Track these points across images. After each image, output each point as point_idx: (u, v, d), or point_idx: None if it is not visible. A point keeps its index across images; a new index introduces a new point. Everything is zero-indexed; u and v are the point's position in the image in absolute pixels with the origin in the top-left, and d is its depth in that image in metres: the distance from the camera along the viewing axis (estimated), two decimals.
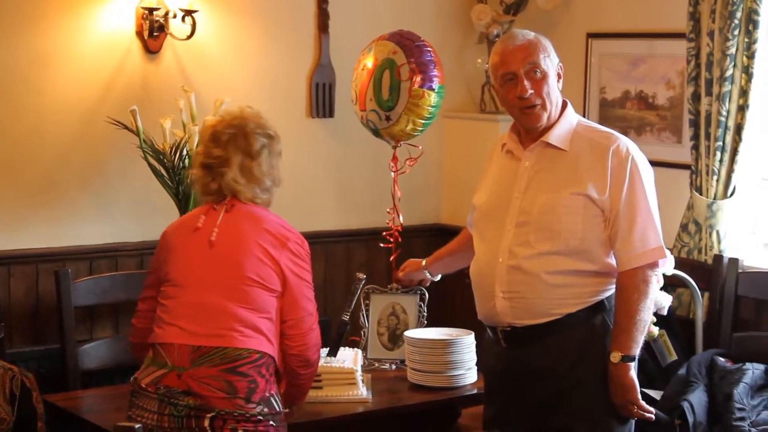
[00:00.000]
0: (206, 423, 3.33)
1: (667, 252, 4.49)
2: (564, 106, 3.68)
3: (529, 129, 3.65)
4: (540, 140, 3.62)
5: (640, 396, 3.53)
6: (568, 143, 3.61)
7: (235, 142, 3.55)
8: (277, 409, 3.44)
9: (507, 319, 3.62)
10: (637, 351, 3.53)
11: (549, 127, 3.63)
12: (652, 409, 3.58)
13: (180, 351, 3.39)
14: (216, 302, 3.41)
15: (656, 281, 3.61)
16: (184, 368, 3.37)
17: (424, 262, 4.36)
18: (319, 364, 4.07)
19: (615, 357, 3.51)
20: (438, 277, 4.42)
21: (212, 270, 3.45)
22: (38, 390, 4.05)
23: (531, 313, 3.57)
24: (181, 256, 3.50)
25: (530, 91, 3.56)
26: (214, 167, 3.54)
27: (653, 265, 3.55)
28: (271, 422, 3.40)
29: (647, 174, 3.59)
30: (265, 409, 3.39)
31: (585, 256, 3.54)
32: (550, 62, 3.61)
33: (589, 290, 3.57)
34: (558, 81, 3.64)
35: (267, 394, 3.41)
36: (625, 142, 3.59)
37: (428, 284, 4.46)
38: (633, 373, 3.53)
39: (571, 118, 3.67)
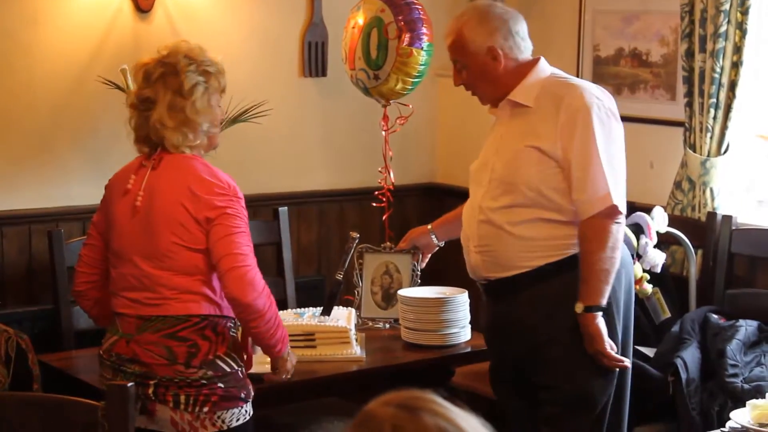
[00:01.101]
0: (150, 390, 3.33)
1: (659, 209, 4.54)
2: (534, 62, 3.68)
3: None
4: (506, 99, 3.67)
5: (607, 345, 3.52)
6: (533, 99, 3.62)
7: (165, 80, 3.37)
8: (228, 370, 3.36)
9: (482, 273, 3.68)
10: (601, 301, 3.51)
11: (514, 86, 3.65)
12: (622, 358, 3.56)
13: (128, 320, 3.39)
14: (148, 271, 3.35)
15: (619, 231, 3.54)
16: (131, 335, 3.37)
17: (430, 226, 4.33)
18: (313, 323, 4.10)
19: (578, 307, 3.52)
20: (443, 243, 4.38)
21: (139, 238, 3.37)
22: (33, 352, 4.05)
23: (500, 266, 3.62)
24: (114, 223, 3.44)
25: (459, 83, 3.72)
26: (141, 109, 3.39)
27: (611, 214, 3.51)
28: (219, 384, 3.33)
29: (604, 124, 3.55)
30: (209, 372, 3.33)
31: (547, 206, 3.56)
32: (473, 52, 3.64)
33: (558, 243, 3.57)
34: (495, 62, 3.63)
35: (211, 357, 3.34)
36: (583, 93, 3.56)
37: (434, 250, 4.41)
38: (599, 322, 3.51)
39: (540, 73, 3.67)
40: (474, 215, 3.68)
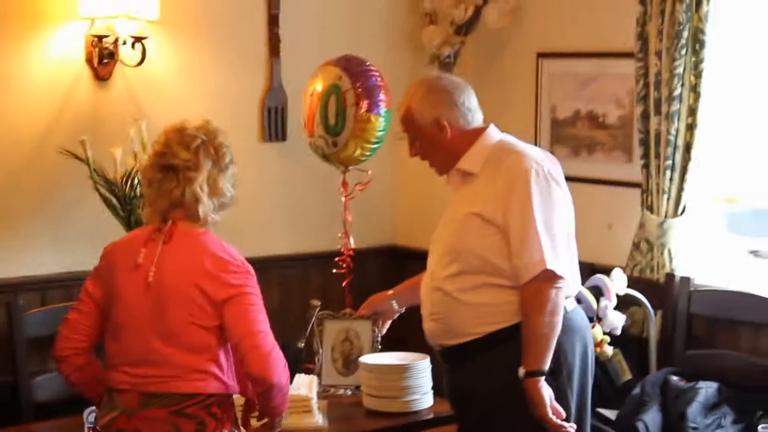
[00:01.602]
0: None
1: (618, 271, 4.57)
2: (481, 131, 3.72)
3: None
4: (454, 168, 3.72)
5: (549, 411, 3.49)
6: (479, 166, 3.66)
7: (206, 149, 3.34)
8: None
9: (437, 340, 3.72)
10: (542, 366, 3.49)
11: (461, 156, 3.70)
12: (563, 424, 3.51)
13: (128, 395, 3.32)
14: (157, 348, 3.29)
15: (557, 297, 3.52)
16: (133, 410, 3.30)
17: (391, 292, 4.30)
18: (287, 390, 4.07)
19: (520, 372, 3.51)
20: (403, 309, 4.36)
21: (150, 314, 3.30)
22: None
23: (452, 333, 3.65)
24: (122, 296, 3.34)
25: (413, 153, 3.77)
26: (181, 170, 3.31)
27: (548, 279, 3.50)
28: None
29: (542, 188, 3.55)
30: None
31: (492, 272, 3.57)
32: (422, 125, 3.70)
33: (508, 309, 3.57)
34: (442, 132, 3.68)
35: None
36: (523, 158, 3.59)
37: (395, 316, 4.38)
38: (541, 387, 3.49)
39: (488, 140, 3.70)
40: (427, 283, 3.74)
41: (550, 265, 3.49)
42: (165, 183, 3.33)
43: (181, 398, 3.29)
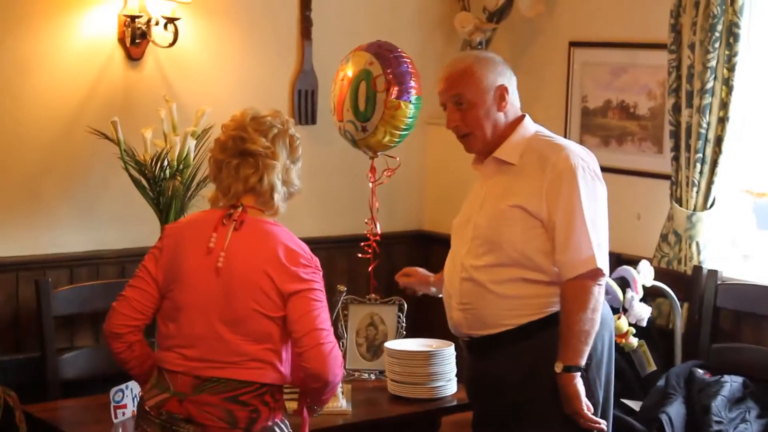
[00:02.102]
0: None
1: (645, 263, 4.56)
2: (519, 120, 3.69)
3: (468, 153, 3.73)
4: (491, 156, 3.67)
5: (584, 407, 3.50)
6: (517, 156, 3.63)
7: (282, 139, 3.34)
8: None
9: (464, 330, 3.69)
10: (580, 361, 3.50)
11: (500, 143, 3.65)
12: (598, 420, 3.54)
13: (182, 378, 3.28)
14: (218, 333, 3.26)
15: (600, 293, 3.54)
16: (185, 395, 3.27)
17: (432, 278, 4.19)
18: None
19: (558, 367, 3.51)
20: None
21: (216, 299, 3.28)
22: (21, 408, 4.03)
23: (483, 323, 3.62)
24: (189, 278, 3.30)
25: (455, 124, 3.64)
26: (261, 157, 3.27)
27: (593, 276, 3.51)
28: None
29: (589, 186, 3.55)
30: None
31: (530, 266, 3.56)
32: (483, 89, 3.61)
33: (541, 301, 3.58)
34: (502, 102, 3.63)
35: (270, 423, 3.31)
36: (569, 154, 3.56)
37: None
38: (577, 383, 3.50)
39: (525, 131, 3.68)
40: (456, 272, 3.69)
41: (600, 264, 3.51)
42: (242, 168, 3.30)
43: (237, 385, 3.26)
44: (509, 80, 3.67)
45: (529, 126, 3.70)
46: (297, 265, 3.26)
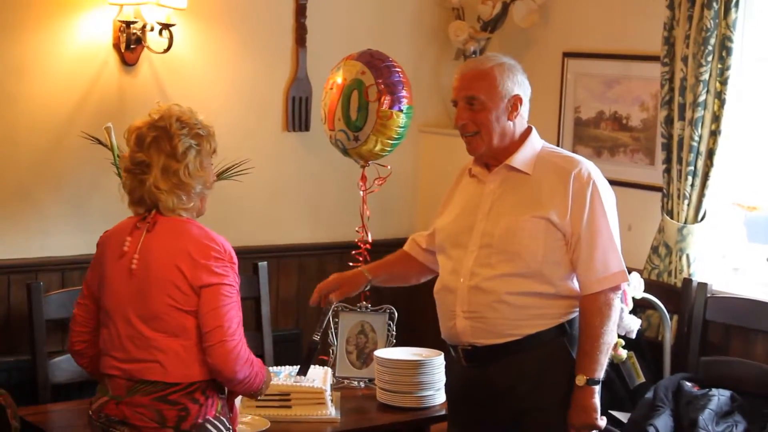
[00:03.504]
0: None
1: (635, 275, 4.57)
2: (528, 131, 3.70)
3: (471, 155, 3.71)
4: (504, 164, 3.66)
5: (599, 419, 3.56)
6: (532, 167, 3.64)
7: (158, 144, 3.38)
8: None
9: (467, 339, 3.65)
10: (601, 374, 3.56)
11: (513, 151, 3.65)
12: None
13: (117, 381, 3.38)
14: (140, 333, 3.35)
15: (619, 303, 3.63)
16: (120, 397, 3.36)
17: (368, 274, 4.09)
18: (289, 383, 4.11)
19: (580, 380, 3.53)
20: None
21: (133, 300, 3.37)
22: (13, 406, 4.03)
23: (490, 333, 3.60)
24: (108, 283, 3.42)
25: (462, 122, 3.62)
26: (136, 174, 3.40)
27: (615, 288, 3.58)
28: None
29: (608, 198, 3.61)
30: None
31: (545, 279, 3.57)
32: (498, 94, 3.61)
33: (550, 312, 3.59)
34: (514, 111, 3.63)
35: (200, 420, 3.35)
36: (587, 167, 3.61)
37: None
38: (597, 396, 3.55)
39: (535, 143, 3.70)
40: (461, 280, 3.63)
41: (627, 277, 3.59)
42: (130, 185, 3.44)
43: (165, 386, 3.33)
44: (525, 91, 3.68)
45: (537, 138, 3.72)
46: (209, 258, 3.34)
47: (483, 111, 3.60)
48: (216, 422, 3.39)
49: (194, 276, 3.32)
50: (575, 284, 3.60)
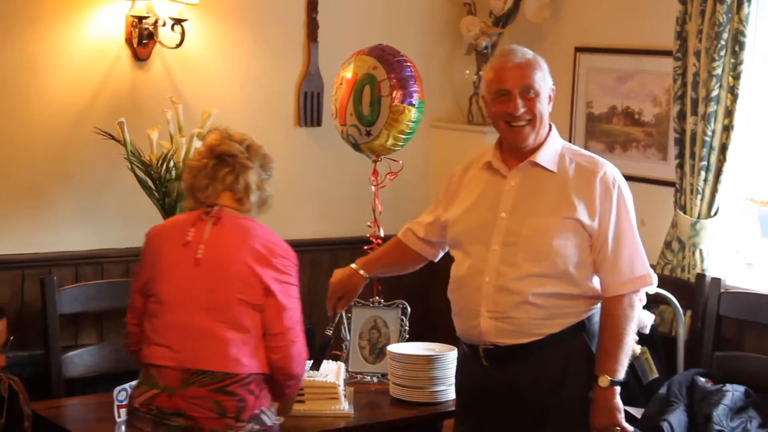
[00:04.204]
0: None
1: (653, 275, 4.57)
2: (550, 128, 3.70)
3: (514, 146, 3.65)
4: (528, 160, 3.64)
5: (623, 420, 3.57)
6: (556, 165, 3.63)
7: (254, 150, 3.57)
8: (268, 424, 3.47)
9: (490, 338, 3.62)
10: (623, 374, 3.58)
11: (536, 148, 3.64)
12: (632, 429, 3.61)
13: (169, 372, 3.40)
14: (202, 323, 3.40)
15: (639, 302, 3.65)
16: (174, 389, 3.39)
17: (363, 272, 4.06)
18: (303, 377, 4.12)
19: (604, 381, 3.54)
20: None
21: (198, 290, 3.42)
22: (25, 392, 4.04)
23: (515, 333, 3.59)
24: (168, 272, 3.46)
25: (522, 109, 3.59)
26: (238, 158, 3.50)
27: (638, 290, 3.61)
28: None
29: (630, 201, 3.64)
30: (256, 426, 3.42)
31: (571, 280, 3.57)
32: (544, 84, 3.63)
33: (572, 311, 3.60)
34: (549, 103, 3.66)
35: (257, 411, 3.43)
36: (611, 169, 3.63)
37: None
38: (618, 396, 3.57)
39: (557, 140, 3.70)
40: (486, 279, 3.61)
41: (651, 281, 3.63)
42: (218, 169, 3.51)
43: (224, 376, 3.38)
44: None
45: (558, 136, 3.72)
46: (275, 257, 3.46)
47: (536, 98, 3.60)
48: (269, 413, 3.49)
49: (263, 273, 3.42)
50: (596, 284, 3.62)
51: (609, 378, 3.54)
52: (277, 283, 3.45)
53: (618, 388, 3.55)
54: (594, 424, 3.58)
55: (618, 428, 3.57)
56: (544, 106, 3.63)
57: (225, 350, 3.39)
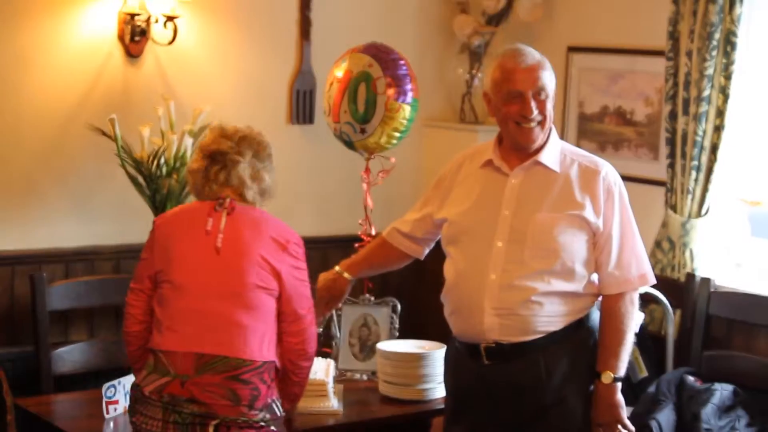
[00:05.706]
0: (210, 430, 3.40)
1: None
2: (550, 128, 3.71)
3: (521, 146, 3.65)
4: (533, 159, 3.64)
5: (625, 417, 3.60)
6: (558, 164, 3.65)
7: (247, 141, 3.63)
8: (278, 414, 3.52)
9: (493, 336, 3.60)
10: (624, 371, 3.61)
11: (540, 147, 3.65)
12: (633, 427, 3.63)
13: (183, 359, 3.43)
14: (219, 309, 3.45)
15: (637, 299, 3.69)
16: (187, 376, 3.41)
17: (347, 275, 4.09)
18: None
19: (607, 378, 3.57)
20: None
21: (217, 276, 3.48)
22: (7, 382, 4.04)
23: (520, 330, 3.58)
24: (186, 259, 3.51)
25: (535, 111, 3.59)
26: (228, 154, 3.58)
27: (639, 288, 3.66)
28: (272, 427, 3.49)
29: (628, 201, 3.68)
30: (267, 415, 3.47)
31: (576, 277, 3.59)
32: (552, 84, 3.64)
33: (575, 308, 3.62)
34: (552, 102, 3.66)
35: (269, 400, 3.48)
36: (612, 169, 3.67)
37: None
38: (620, 392, 3.60)
39: (558, 140, 3.71)
40: (492, 276, 3.59)
41: (652, 279, 3.67)
42: (211, 168, 3.58)
43: (239, 363, 3.42)
44: None
45: (557, 135, 3.73)
46: (289, 244, 3.56)
47: (547, 100, 3.61)
48: (278, 402, 3.54)
49: (280, 260, 3.52)
50: (594, 281, 3.65)
51: (612, 374, 3.56)
52: (293, 269, 3.56)
53: (619, 384, 3.58)
54: (596, 420, 3.59)
55: (620, 425, 3.58)
56: (552, 107, 3.65)
57: (241, 336, 3.44)
